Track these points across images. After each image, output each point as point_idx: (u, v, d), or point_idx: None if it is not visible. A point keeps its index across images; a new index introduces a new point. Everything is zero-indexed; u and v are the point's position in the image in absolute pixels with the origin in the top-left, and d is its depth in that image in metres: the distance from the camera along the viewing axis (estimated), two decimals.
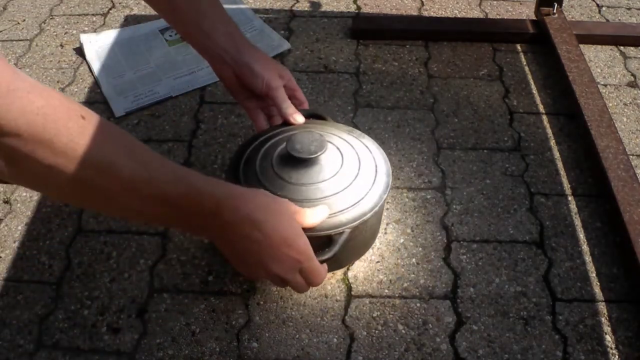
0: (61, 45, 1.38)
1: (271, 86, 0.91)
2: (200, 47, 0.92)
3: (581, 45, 1.31)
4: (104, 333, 0.85)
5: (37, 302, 0.89)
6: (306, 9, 1.50)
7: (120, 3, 1.52)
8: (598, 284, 0.92)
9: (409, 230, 0.99)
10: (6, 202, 1.04)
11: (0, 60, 0.53)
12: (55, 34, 1.42)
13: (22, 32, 1.43)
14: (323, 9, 1.50)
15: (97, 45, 1.36)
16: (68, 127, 0.56)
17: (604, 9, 1.52)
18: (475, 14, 1.49)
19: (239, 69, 0.90)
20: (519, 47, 1.38)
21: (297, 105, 0.95)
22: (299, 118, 0.93)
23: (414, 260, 0.95)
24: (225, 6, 1.32)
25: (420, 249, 0.96)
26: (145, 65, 1.31)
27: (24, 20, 1.47)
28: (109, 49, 1.36)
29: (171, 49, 1.36)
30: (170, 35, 1.39)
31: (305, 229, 0.78)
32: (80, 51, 1.35)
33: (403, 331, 0.86)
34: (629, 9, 1.52)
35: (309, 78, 1.29)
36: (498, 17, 1.48)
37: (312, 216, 0.78)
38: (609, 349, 0.84)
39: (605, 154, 1.05)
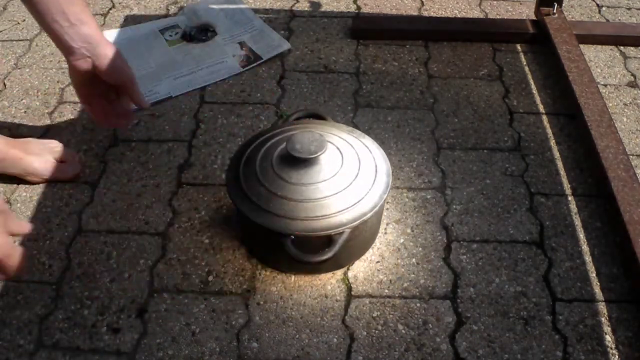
0: None
1: (130, 77, 1.01)
2: (62, 37, 0.94)
3: (581, 45, 1.31)
4: (104, 333, 0.85)
5: (37, 302, 0.89)
6: (306, 9, 1.50)
7: (120, 3, 1.52)
8: (598, 284, 0.92)
9: (409, 230, 0.99)
10: (6, 202, 1.03)
11: None
12: None
13: (22, 32, 1.43)
14: (323, 9, 1.50)
15: None
16: None
17: (604, 9, 1.52)
18: (475, 14, 1.49)
19: (99, 60, 0.96)
20: (519, 47, 1.38)
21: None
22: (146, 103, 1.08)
23: (414, 260, 0.95)
24: (225, 6, 1.33)
25: (420, 249, 0.96)
26: (145, 65, 1.31)
27: (24, 20, 1.47)
28: None
29: (171, 49, 1.36)
30: (170, 35, 1.39)
31: (305, 230, 0.78)
32: None
33: (403, 331, 0.86)
34: (629, 9, 1.52)
35: (309, 78, 1.29)
36: (498, 17, 1.48)
37: (14, 224, 0.75)
38: (609, 349, 0.84)
39: (605, 154, 1.05)
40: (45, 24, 0.94)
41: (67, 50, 0.96)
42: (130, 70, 1.01)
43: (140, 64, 1.31)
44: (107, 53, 0.97)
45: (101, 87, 1.02)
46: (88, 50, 0.95)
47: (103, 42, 0.97)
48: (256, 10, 1.48)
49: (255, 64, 1.32)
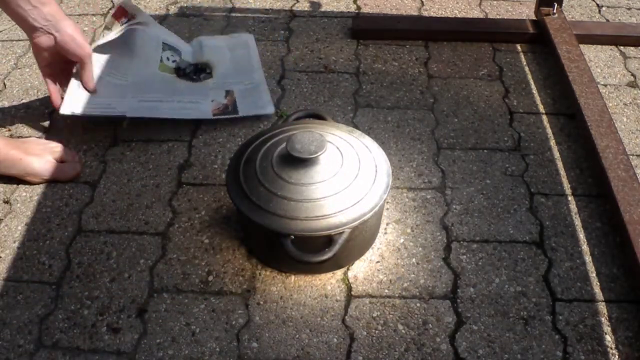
0: None
1: (87, 53, 1.09)
2: (26, 18, 1.03)
3: (581, 45, 1.31)
4: (104, 333, 0.85)
5: (37, 302, 0.89)
6: (306, 9, 1.50)
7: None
8: (598, 284, 0.92)
9: (409, 230, 0.99)
10: (6, 202, 1.04)
11: None
12: None
13: (22, 32, 1.42)
14: (323, 9, 1.50)
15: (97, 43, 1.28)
16: None
17: (604, 9, 1.52)
18: (475, 14, 1.49)
19: (60, 36, 1.05)
20: (519, 47, 1.38)
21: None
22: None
23: (414, 260, 0.95)
24: (239, 49, 1.31)
25: (420, 249, 0.96)
26: (121, 76, 1.20)
27: None
28: (109, 46, 1.26)
29: (158, 73, 1.23)
30: (167, 59, 1.25)
31: (305, 230, 0.77)
32: None
33: (403, 331, 0.86)
34: (629, 9, 1.52)
35: (309, 78, 1.29)
36: (498, 17, 1.48)
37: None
38: (609, 349, 0.84)
39: (605, 154, 1.05)
40: (10, 9, 1.03)
41: (30, 29, 1.04)
42: (88, 48, 1.09)
43: (118, 70, 1.20)
44: (67, 29, 1.05)
45: (62, 66, 1.11)
46: (50, 27, 1.04)
47: (64, 18, 1.05)
48: (256, 10, 1.48)
49: (227, 117, 1.17)
